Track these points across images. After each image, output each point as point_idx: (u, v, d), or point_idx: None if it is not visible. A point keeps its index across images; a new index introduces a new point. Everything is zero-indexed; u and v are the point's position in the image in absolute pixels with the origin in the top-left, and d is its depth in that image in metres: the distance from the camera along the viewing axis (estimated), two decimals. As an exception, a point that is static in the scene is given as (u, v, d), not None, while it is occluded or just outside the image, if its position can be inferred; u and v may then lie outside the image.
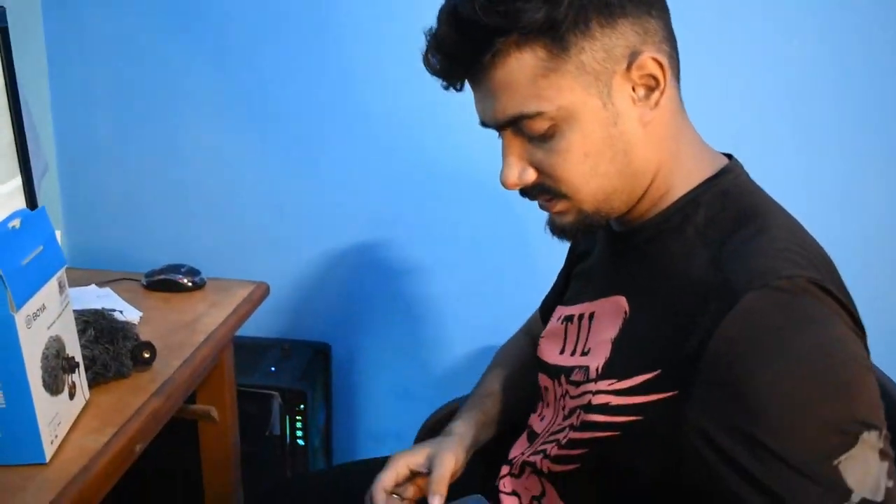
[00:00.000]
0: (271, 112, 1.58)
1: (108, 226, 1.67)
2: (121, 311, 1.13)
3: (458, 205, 1.59)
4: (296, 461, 1.54)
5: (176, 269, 1.29)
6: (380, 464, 0.95)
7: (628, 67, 0.74)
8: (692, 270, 0.74)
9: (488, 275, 1.63)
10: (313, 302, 1.68)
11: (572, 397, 0.85)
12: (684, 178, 0.80)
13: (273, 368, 1.54)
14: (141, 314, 1.17)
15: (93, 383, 0.95)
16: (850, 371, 0.67)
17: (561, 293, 1.04)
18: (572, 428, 0.83)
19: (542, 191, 0.80)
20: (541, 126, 0.75)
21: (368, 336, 1.70)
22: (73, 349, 0.88)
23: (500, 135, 0.80)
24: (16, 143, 1.16)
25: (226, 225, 1.66)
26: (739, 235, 0.74)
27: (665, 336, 0.74)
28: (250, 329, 1.46)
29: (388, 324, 1.69)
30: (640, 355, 0.76)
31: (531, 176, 0.79)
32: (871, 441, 0.64)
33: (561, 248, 0.95)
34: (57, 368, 0.83)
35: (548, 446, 0.88)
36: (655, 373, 0.74)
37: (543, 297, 1.14)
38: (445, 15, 0.74)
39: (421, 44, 0.77)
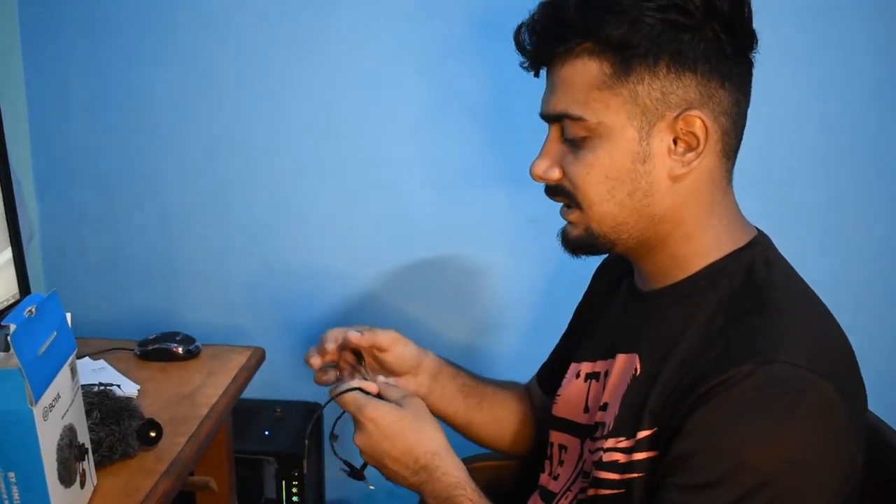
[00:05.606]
0: (256, 169, 1.57)
1: (92, 292, 1.63)
2: (118, 386, 1.10)
3: (449, 266, 1.59)
4: (292, 526, 1.51)
5: (170, 337, 1.26)
6: None
7: (676, 118, 0.77)
8: (706, 338, 0.77)
9: (486, 336, 1.62)
10: (302, 361, 1.65)
11: (591, 452, 0.86)
12: (715, 245, 0.82)
13: (267, 432, 1.51)
14: (139, 387, 1.14)
15: (98, 466, 0.92)
16: (808, 476, 0.71)
17: (568, 354, 1.04)
18: (586, 484, 0.84)
19: (562, 193, 0.84)
20: (578, 132, 0.80)
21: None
22: (83, 436, 0.85)
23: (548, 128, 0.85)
24: (6, 215, 1.14)
25: (211, 286, 1.63)
26: (754, 312, 0.76)
27: (668, 398, 0.76)
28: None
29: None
30: (642, 413, 0.79)
31: (555, 174, 0.84)
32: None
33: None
34: (70, 458, 0.80)
35: None
36: (653, 430, 0.77)
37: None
38: (548, 2, 0.81)
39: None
